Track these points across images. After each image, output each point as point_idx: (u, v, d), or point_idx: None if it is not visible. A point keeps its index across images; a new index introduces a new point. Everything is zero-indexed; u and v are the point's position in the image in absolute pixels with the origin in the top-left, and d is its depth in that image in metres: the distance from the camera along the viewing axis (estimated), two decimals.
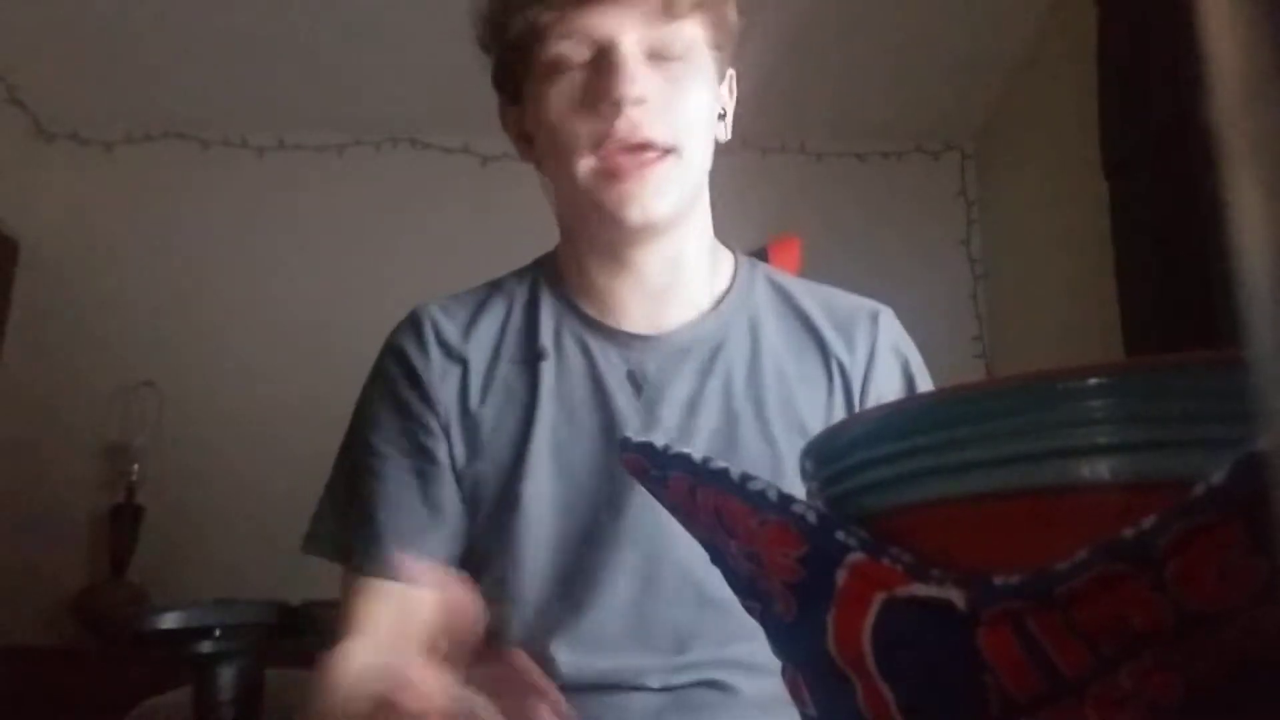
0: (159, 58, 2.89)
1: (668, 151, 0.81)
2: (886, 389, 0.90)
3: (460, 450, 0.85)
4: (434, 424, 0.86)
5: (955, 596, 0.27)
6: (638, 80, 0.80)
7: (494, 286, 0.95)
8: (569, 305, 0.91)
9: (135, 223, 3.17)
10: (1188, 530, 0.24)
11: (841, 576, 0.30)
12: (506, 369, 0.88)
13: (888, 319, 0.94)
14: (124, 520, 2.89)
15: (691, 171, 0.84)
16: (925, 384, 0.93)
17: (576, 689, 0.80)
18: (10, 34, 2.78)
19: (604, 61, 0.80)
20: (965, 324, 3.12)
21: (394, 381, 0.88)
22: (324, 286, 3.11)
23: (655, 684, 0.81)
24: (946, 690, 0.27)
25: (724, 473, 0.34)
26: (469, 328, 0.90)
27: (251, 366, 3.04)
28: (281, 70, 2.96)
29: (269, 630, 0.88)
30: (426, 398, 0.87)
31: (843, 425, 0.36)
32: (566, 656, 0.81)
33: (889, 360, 0.91)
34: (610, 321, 0.89)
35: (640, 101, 0.79)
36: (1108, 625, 0.25)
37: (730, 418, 0.86)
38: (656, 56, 0.82)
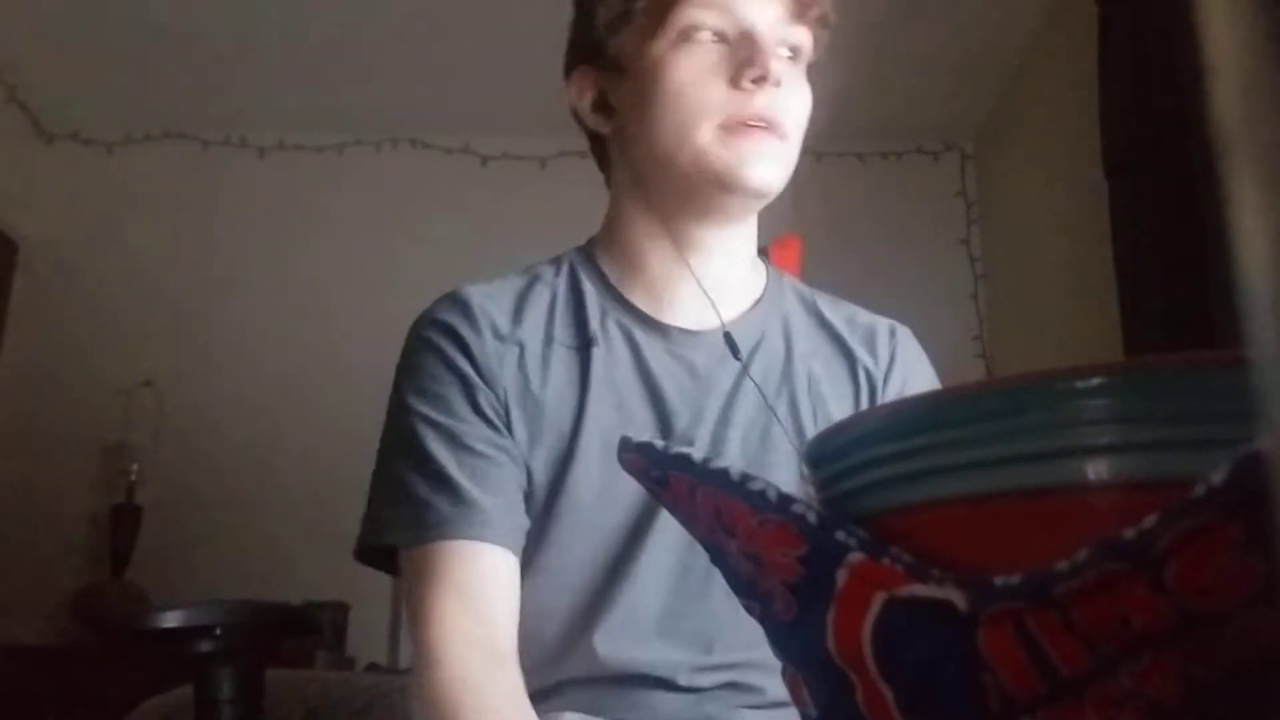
0: (159, 58, 2.90)
1: (785, 138, 0.85)
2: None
3: (521, 432, 0.84)
4: (495, 399, 0.84)
5: (955, 597, 0.27)
6: (780, 63, 0.83)
7: (530, 273, 0.93)
8: (615, 295, 0.90)
9: (135, 223, 3.17)
10: (1188, 530, 0.24)
11: (842, 576, 0.30)
12: (560, 352, 0.87)
13: (905, 334, 0.97)
14: (124, 520, 2.90)
15: (794, 163, 0.88)
16: None
17: (609, 681, 0.81)
18: (11, 34, 2.78)
19: (746, 40, 0.83)
20: (965, 323, 3.12)
21: (447, 355, 0.85)
22: (324, 286, 3.11)
23: (683, 682, 0.82)
24: (946, 690, 0.27)
25: (723, 473, 0.34)
26: (516, 313, 0.88)
27: (252, 366, 3.04)
28: (281, 70, 2.96)
29: (269, 630, 0.88)
30: (484, 374, 0.84)
31: (843, 425, 0.35)
32: (603, 645, 0.82)
33: (904, 373, 0.93)
34: (656, 314, 0.89)
35: (778, 84, 0.82)
36: (1108, 625, 0.25)
37: (764, 414, 0.88)
38: (780, 51, 0.86)
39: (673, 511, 0.38)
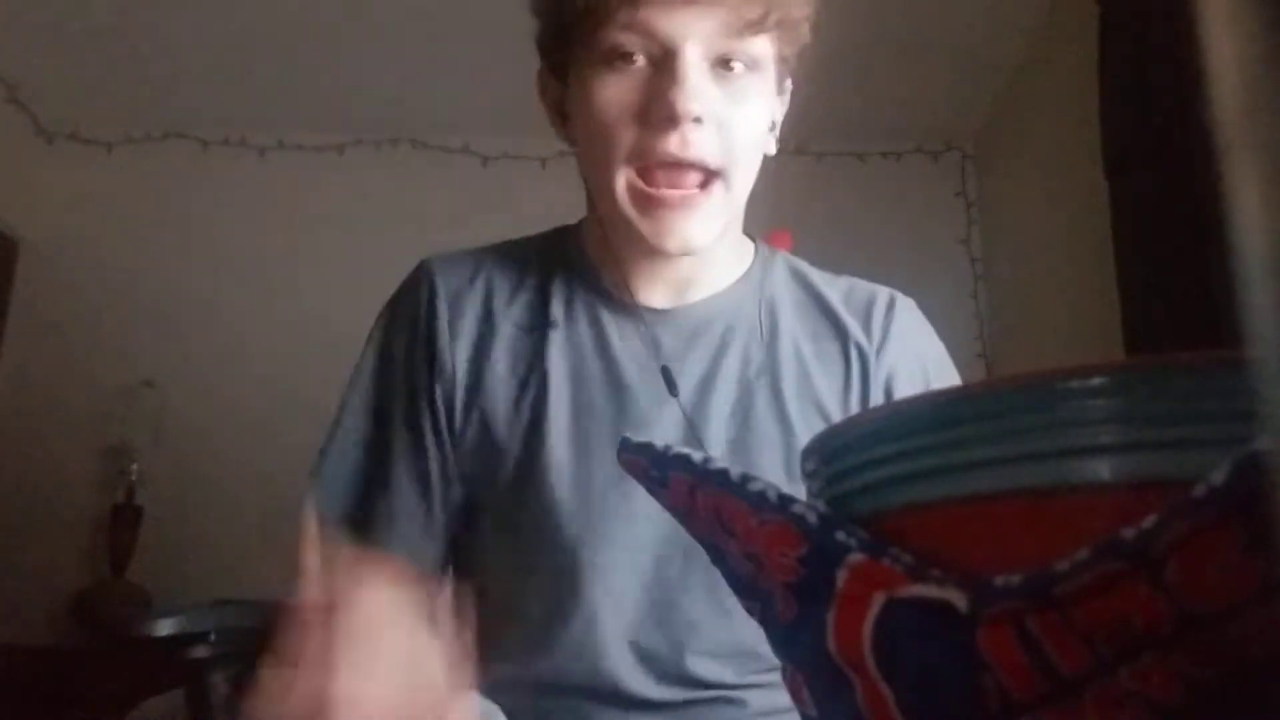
0: (159, 58, 2.89)
1: (714, 175, 0.78)
2: (899, 373, 0.88)
3: (459, 416, 0.84)
4: (438, 390, 0.84)
5: (955, 597, 0.27)
6: (699, 96, 0.75)
7: (504, 249, 0.93)
8: (585, 276, 0.89)
9: (135, 223, 3.17)
10: (1188, 530, 0.24)
11: (842, 577, 0.30)
12: (515, 334, 0.86)
13: (905, 307, 0.93)
14: (124, 520, 2.90)
15: (735, 201, 0.82)
16: (943, 376, 0.90)
17: (577, 687, 0.80)
18: (11, 34, 2.78)
19: (665, 68, 0.76)
20: (965, 324, 3.12)
21: (396, 342, 0.87)
22: (324, 286, 3.11)
23: (654, 696, 0.80)
24: (946, 690, 0.27)
25: (724, 473, 0.34)
26: (480, 286, 0.88)
27: (252, 366, 3.04)
28: (281, 70, 2.96)
29: (263, 633, 0.88)
30: (433, 359, 0.85)
31: (843, 425, 0.35)
32: (566, 648, 0.80)
33: (902, 345, 0.90)
34: (625, 296, 0.87)
35: (697, 120, 0.76)
36: (1108, 625, 0.25)
37: (745, 397, 0.85)
38: (720, 66, 0.78)
39: (673, 513, 0.38)
